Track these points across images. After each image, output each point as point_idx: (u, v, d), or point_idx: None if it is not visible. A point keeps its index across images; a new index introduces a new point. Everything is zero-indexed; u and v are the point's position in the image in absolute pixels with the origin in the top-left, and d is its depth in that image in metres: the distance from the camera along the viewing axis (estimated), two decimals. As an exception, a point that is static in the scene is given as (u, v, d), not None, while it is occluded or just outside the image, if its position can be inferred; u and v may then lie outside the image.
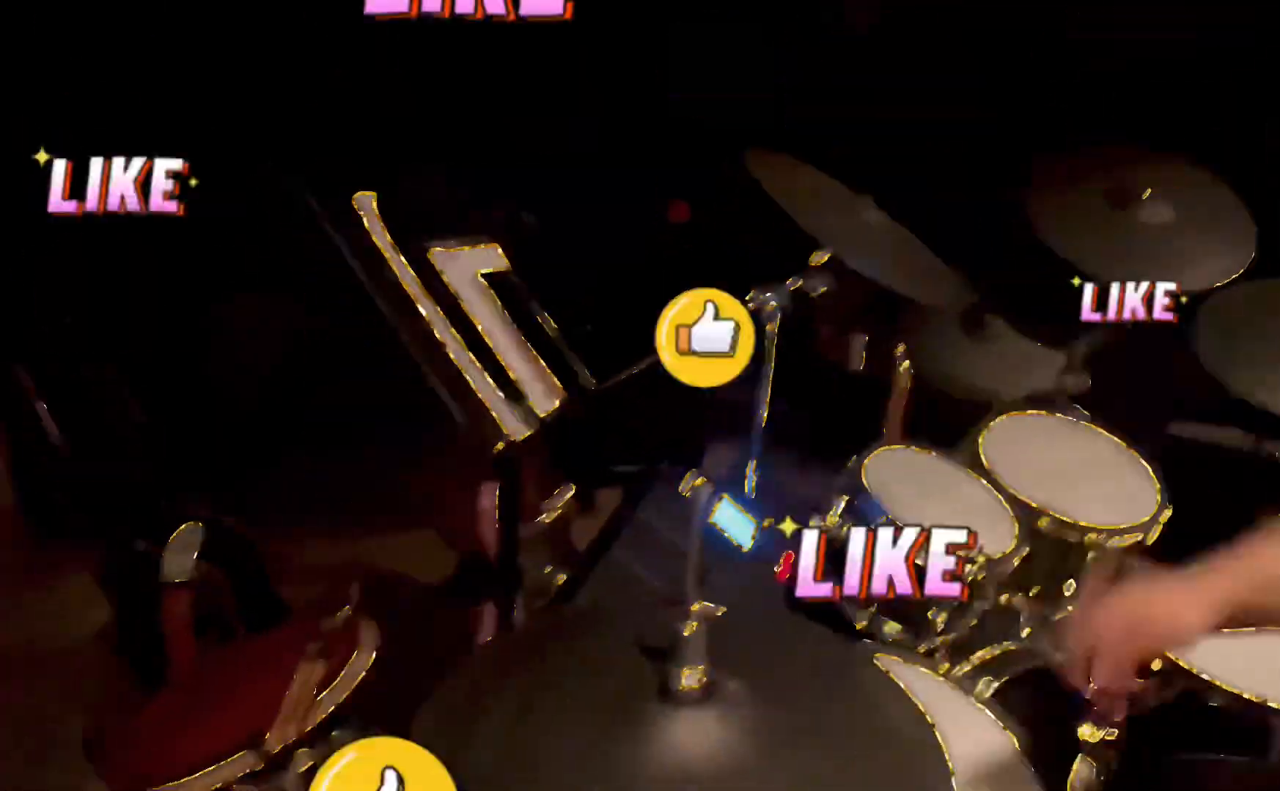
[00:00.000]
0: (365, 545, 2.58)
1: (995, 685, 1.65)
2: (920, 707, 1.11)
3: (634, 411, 2.31)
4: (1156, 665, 1.53)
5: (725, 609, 1.06)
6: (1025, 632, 1.90)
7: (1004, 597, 1.88)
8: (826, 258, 1.90)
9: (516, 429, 1.61)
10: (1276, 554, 1.23)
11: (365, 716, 1.48)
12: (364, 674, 1.52)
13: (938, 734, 1.06)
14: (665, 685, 1.04)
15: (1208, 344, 2.13)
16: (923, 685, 1.59)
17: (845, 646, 1.58)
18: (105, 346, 2.48)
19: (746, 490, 1.94)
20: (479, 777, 0.95)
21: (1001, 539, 1.82)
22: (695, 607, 1.05)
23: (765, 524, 1.87)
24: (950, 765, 1.02)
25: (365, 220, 1.59)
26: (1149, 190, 2.21)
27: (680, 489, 1.83)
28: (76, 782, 1.58)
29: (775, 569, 1.84)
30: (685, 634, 1.04)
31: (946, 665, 1.69)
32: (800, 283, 1.90)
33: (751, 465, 1.93)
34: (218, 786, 1.42)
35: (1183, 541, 1.92)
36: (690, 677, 1.04)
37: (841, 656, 1.23)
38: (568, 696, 1.06)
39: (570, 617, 1.66)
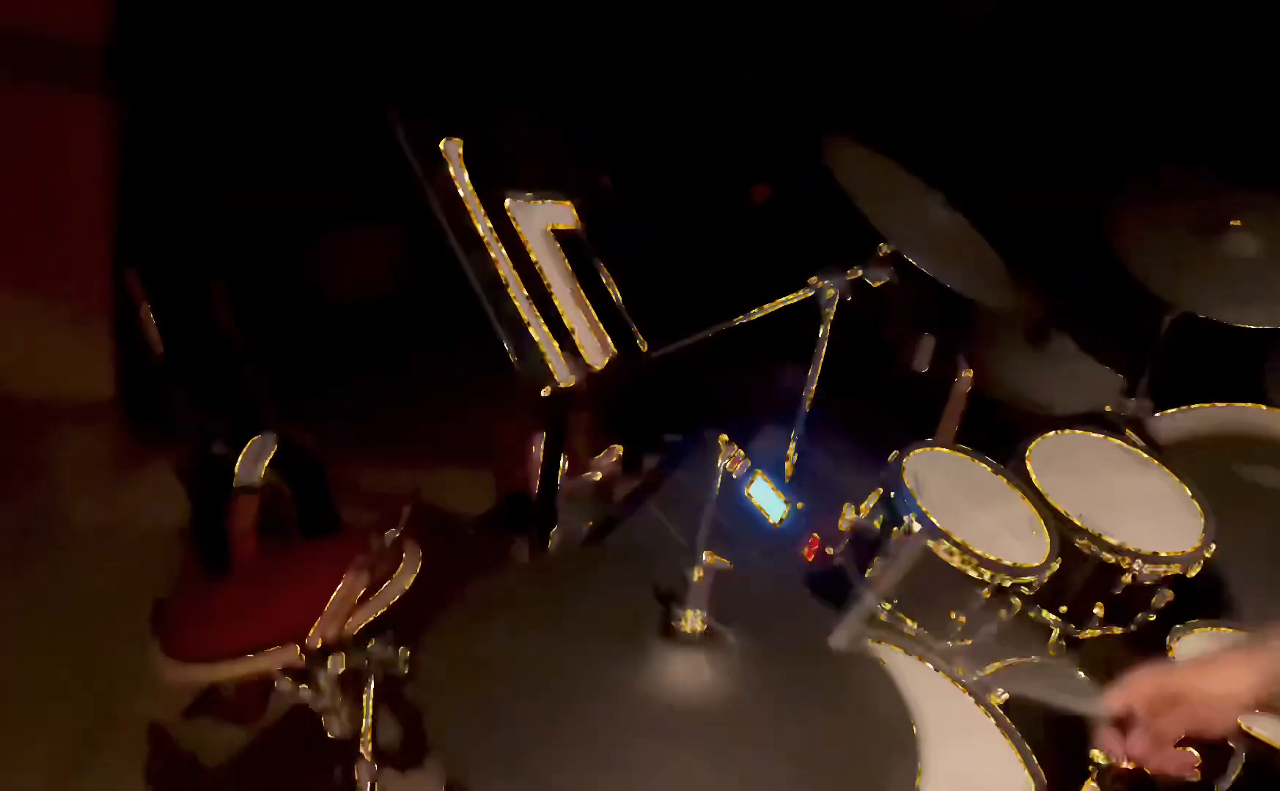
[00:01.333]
0: (420, 476, 2.70)
1: (1007, 695, 1.65)
2: (895, 681, 1.12)
3: (687, 381, 2.35)
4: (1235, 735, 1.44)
5: (731, 563, 1.11)
6: (1050, 649, 1.90)
7: (1031, 612, 1.87)
8: (889, 250, 1.91)
9: (564, 375, 1.68)
10: None
11: (400, 629, 1.58)
12: (404, 591, 1.62)
13: (910, 711, 1.08)
14: (668, 624, 1.11)
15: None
16: (926, 681, 1.60)
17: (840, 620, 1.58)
18: (215, 263, 2.64)
19: (785, 471, 1.97)
20: (482, 676, 1.03)
21: (1035, 551, 1.82)
22: (705, 557, 1.10)
23: (799, 505, 1.91)
24: (919, 751, 1.05)
25: (449, 164, 1.66)
26: (1239, 220, 2.15)
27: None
28: (139, 652, 1.72)
29: (802, 550, 1.89)
30: (693, 580, 1.10)
31: (961, 669, 1.70)
32: (860, 272, 1.92)
33: (791, 447, 1.96)
34: (259, 672, 1.54)
35: (1232, 585, 1.89)
36: (691, 620, 1.10)
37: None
38: (578, 620, 1.14)
39: (594, 554, 1.73)
